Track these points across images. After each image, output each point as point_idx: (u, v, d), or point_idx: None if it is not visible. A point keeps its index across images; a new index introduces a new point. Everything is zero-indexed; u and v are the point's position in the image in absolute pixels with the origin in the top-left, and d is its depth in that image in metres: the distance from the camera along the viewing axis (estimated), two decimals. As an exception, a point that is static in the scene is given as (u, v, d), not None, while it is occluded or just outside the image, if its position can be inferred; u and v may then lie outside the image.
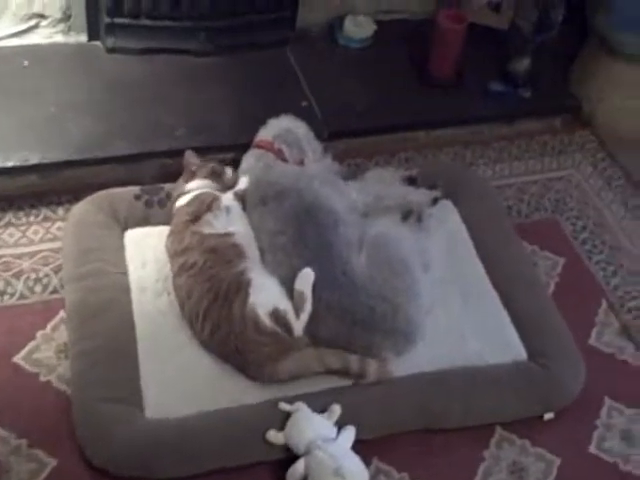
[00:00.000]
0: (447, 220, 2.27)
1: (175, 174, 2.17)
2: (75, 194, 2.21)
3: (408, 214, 2.19)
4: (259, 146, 2.19)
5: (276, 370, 1.82)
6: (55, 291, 2.02)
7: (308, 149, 2.22)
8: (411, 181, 2.30)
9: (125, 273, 2.02)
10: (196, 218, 1.99)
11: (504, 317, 2.06)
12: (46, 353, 1.89)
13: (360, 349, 1.87)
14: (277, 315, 1.82)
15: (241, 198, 2.07)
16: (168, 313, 1.96)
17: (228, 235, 1.96)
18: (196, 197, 2.05)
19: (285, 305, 1.84)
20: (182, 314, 1.92)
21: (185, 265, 1.92)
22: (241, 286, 1.85)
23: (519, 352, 1.99)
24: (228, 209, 2.02)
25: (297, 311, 1.83)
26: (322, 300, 1.86)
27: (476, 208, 2.30)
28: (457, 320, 2.04)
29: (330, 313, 1.86)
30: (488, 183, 2.45)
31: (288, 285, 1.88)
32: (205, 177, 2.11)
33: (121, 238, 2.10)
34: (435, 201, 2.27)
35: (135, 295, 1.98)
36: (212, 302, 1.85)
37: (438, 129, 2.54)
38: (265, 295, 1.85)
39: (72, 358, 1.84)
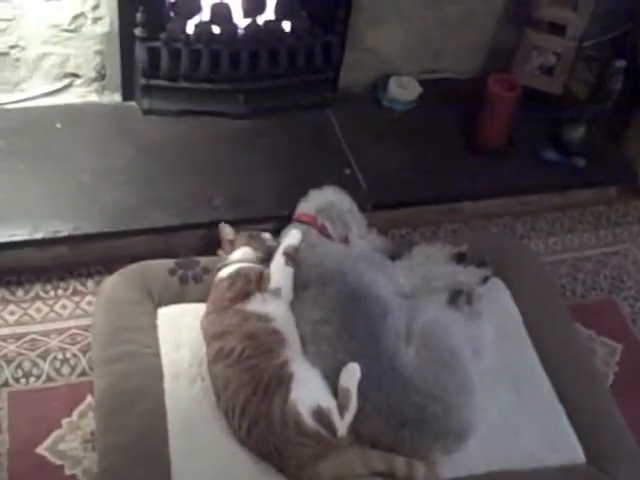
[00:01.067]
0: (498, 301, 2.13)
1: (213, 246, 2.06)
2: (106, 266, 2.12)
3: (457, 295, 2.06)
4: (301, 220, 2.08)
5: (317, 472, 1.68)
6: (83, 373, 1.92)
7: (352, 224, 2.10)
8: (460, 258, 2.17)
9: (158, 355, 1.90)
10: (243, 296, 1.87)
11: (560, 413, 1.91)
12: (72, 444, 1.79)
13: (407, 450, 1.73)
14: (320, 414, 1.68)
15: (293, 257, 1.93)
16: (202, 402, 1.82)
17: (268, 319, 1.84)
18: (237, 272, 1.93)
19: (329, 403, 1.70)
20: (218, 404, 1.80)
21: (222, 352, 1.80)
22: (282, 380, 1.72)
23: (576, 453, 1.83)
24: (278, 292, 1.89)
25: (341, 410, 1.70)
26: (368, 398, 1.72)
27: (529, 287, 2.16)
28: (510, 415, 1.88)
29: (376, 413, 1.72)
30: (541, 259, 2.32)
31: (331, 379, 1.75)
32: (245, 244, 2.00)
33: (154, 316, 1.98)
34: (485, 280, 2.14)
35: (168, 382, 1.85)
36: (250, 396, 1.72)
37: (487, 199, 2.41)
38: (308, 391, 1.71)
39: (100, 453, 1.72)
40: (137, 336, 1.92)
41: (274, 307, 1.87)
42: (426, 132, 2.52)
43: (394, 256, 2.14)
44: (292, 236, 1.99)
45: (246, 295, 1.88)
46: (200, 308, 1.96)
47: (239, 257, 1.99)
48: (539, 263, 2.29)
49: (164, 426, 1.78)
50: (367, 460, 1.71)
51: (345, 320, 1.82)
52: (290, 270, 1.93)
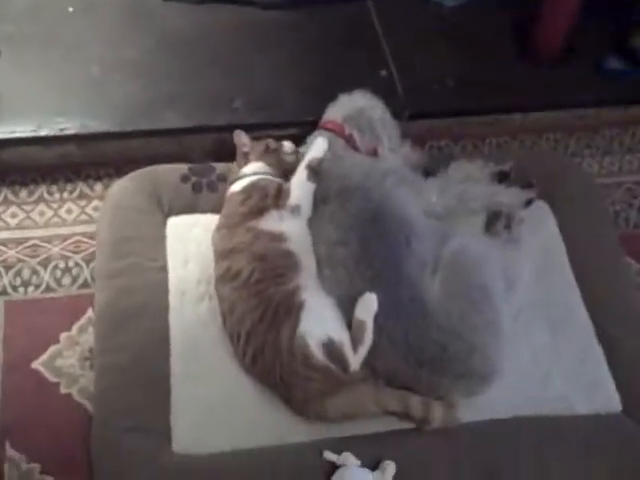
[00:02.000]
0: (541, 228, 1.93)
1: (231, 152, 1.87)
2: (116, 168, 1.98)
3: (495, 218, 1.87)
4: (327, 128, 1.88)
5: (324, 408, 1.56)
6: (85, 285, 1.81)
7: (384, 135, 1.89)
8: (502, 177, 1.96)
9: (164, 269, 1.77)
10: (258, 212, 1.71)
11: (598, 355, 1.74)
12: (69, 360, 1.70)
13: (425, 390, 1.59)
14: (331, 348, 1.54)
15: (316, 171, 1.75)
16: (209, 323, 1.70)
17: (282, 239, 1.68)
18: (253, 185, 1.76)
19: (341, 336, 1.56)
20: (224, 327, 1.67)
21: (229, 272, 1.65)
22: (292, 308, 1.58)
23: (612, 401, 1.68)
24: (297, 209, 1.72)
25: (355, 343, 1.56)
26: (384, 331, 1.57)
27: (577, 213, 1.95)
28: (542, 355, 1.73)
29: (393, 348, 1.57)
30: (593, 181, 2.08)
31: (347, 308, 1.60)
32: (259, 158, 1.83)
33: (163, 226, 1.84)
34: (529, 203, 1.93)
35: (173, 299, 1.73)
36: (257, 323, 1.58)
37: (539, 112, 2.15)
38: (319, 322, 1.57)
39: (97, 372, 1.63)
40: (143, 247, 1.79)
41: (291, 226, 1.71)
42: (477, 32, 2.23)
43: (429, 172, 1.95)
44: (317, 147, 1.79)
45: (261, 211, 1.72)
46: (213, 219, 1.81)
47: (252, 171, 1.81)
48: (591, 185, 2.06)
49: (166, 347, 1.67)
50: (380, 398, 1.59)
51: (364, 242, 1.65)
52: (312, 186, 1.75)
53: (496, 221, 1.87)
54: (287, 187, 1.76)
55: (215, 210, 1.82)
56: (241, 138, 1.85)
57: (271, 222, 1.71)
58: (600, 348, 1.75)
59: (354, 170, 1.78)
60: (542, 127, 2.18)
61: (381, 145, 1.88)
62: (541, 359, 1.73)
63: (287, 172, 1.81)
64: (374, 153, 1.87)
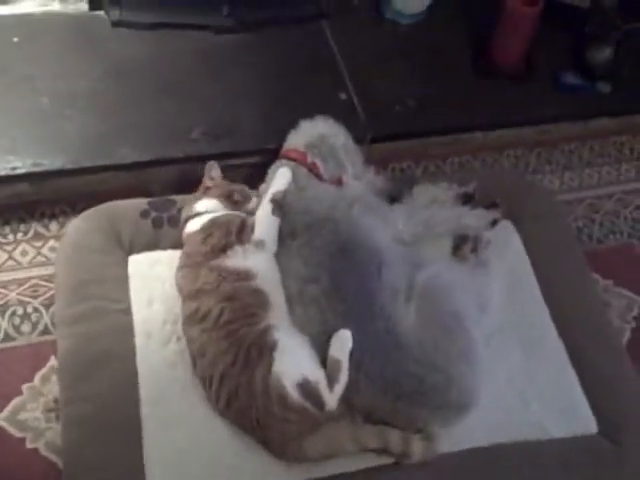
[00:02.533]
0: (507, 248, 1.92)
1: (192, 183, 1.82)
2: (72, 205, 1.90)
3: (462, 242, 1.86)
4: (289, 157, 1.84)
5: (303, 449, 1.52)
6: (46, 331, 1.75)
7: (347, 163, 1.86)
8: (467, 198, 1.95)
9: (128, 311, 1.71)
10: (221, 250, 1.65)
11: (571, 377, 1.74)
12: (33, 413, 1.64)
13: (403, 423, 1.56)
14: (307, 388, 1.50)
15: (280, 204, 1.71)
16: (177, 365, 1.64)
17: (249, 277, 1.64)
18: (213, 222, 1.71)
19: (316, 375, 1.52)
20: (194, 370, 1.62)
21: (197, 313, 1.60)
22: (265, 349, 1.53)
23: (588, 423, 1.68)
24: (261, 244, 1.68)
25: (331, 382, 1.52)
26: (361, 367, 1.54)
27: (541, 231, 1.95)
28: (517, 377, 1.71)
29: (370, 384, 1.54)
30: (555, 198, 2.09)
31: (321, 343, 1.57)
32: (219, 199, 1.77)
33: (124, 266, 1.77)
34: (494, 223, 1.93)
35: (139, 342, 1.67)
36: (230, 366, 1.53)
37: (500, 129, 2.15)
38: (293, 362, 1.53)
39: (64, 424, 1.55)
40: (105, 290, 1.73)
41: (256, 262, 1.67)
42: (434, 51, 2.23)
43: (394, 197, 1.92)
44: (280, 178, 1.76)
45: (224, 248, 1.67)
46: (175, 255, 1.76)
47: (206, 208, 1.76)
48: (553, 203, 2.06)
49: (135, 393, 1.60)
50: (358, 436, 1.55)
51: (334, 277, 1.61)
52: (277, 220, 1.71)
53: (463, 245, 1.85)
54: (251, 221, 1.71)
55: (177, 246, 1.77)
56: (212, 169, 1.79)
57: (236, 259, 1.66)
58: (572, 369, 1.75)
59: (320, 201, 1.75)
60: (503, 144, 2.19)
61: (345, 173, 1.85)
62: (516, 381, 1.71)
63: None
64: (338, 182, 1.84)
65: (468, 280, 1.75)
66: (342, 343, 1.54)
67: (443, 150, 2.13)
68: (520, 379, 1.72)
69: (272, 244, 1.70)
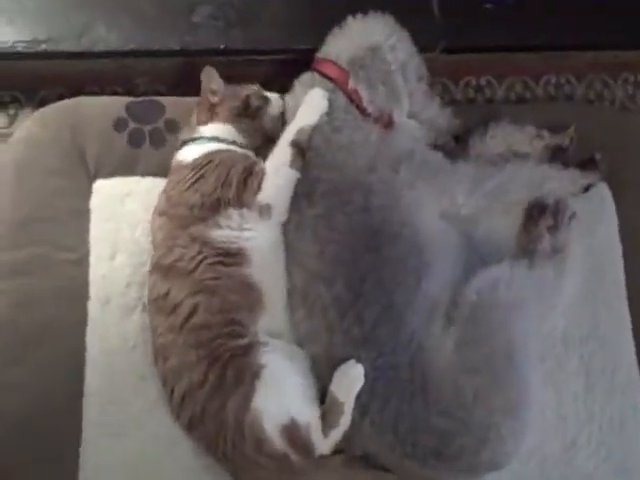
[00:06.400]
0: (596, 226, 1.45)
1: (191, 82, 1.33)
2: (25, 91, 1.40)
3: (538, 214, 1.37)
4: (324, 74, 1.31)
5: (280, 495, 1.20)
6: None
7: (404, 95, 1.33)
8: (558, 152, 1.43)
9: (82, 263, 1.31)
10: (211, 207, 1.22)
11: (640, 423, 1.36)
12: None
13: (411, 478, 1.22)
14: (293, 432, 1.14)
15: (304, 150, 1.25)
16: (138, 347, 1.27)
17: (242, 260, 1.20)
18: (209, 157, 1.25)
19: (309, 417, 1.15)
20: (156, 366, 1.24)
21: (166, 301, 1.20)
22: (245, 374, 1.14)
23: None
24: (266, 210, 1.23)
25: (327, 426, 1.15)
26: (368, 413, 1.16)
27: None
28: (570, 413, 1.34)
29: (375, 435, 1.17)
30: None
31: (322, 367, 1.18)
32: (232, 119, 1.30)
33: (85, 195, 1.35)
34: (587, 189, 1.44)
35: (93, 309, 1.29)
36: (196, 387, 1.16)
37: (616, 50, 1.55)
38: (280, 398, 1.15)
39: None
40: (56, 230, 1.32)
41: (256, 237, 1.23)
42: None
43: (459, 138, 1.41)
44: (312, 106, 1.27)
45: (216, 205, 1.22)
46: (158, 186, 1.33)
47: (213, 134, 1.28)
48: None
49: (77, 384, 1.25)
50: (351, 483, 1.21)
51: (353, 282, 1.19)
52: (294, 175, 1.24)
53: (540, 218, 1.37)
54: (261, 170, 1.24)
55: (160, 173, 1.33)
56: (211, 80, 1.31)
57: (228, 230, 1.21)
58: (645, 412, 1.36)
59: (354, 155, 1.26)
60: (619, 65, 1.59)
61: (398, 109, 1.33)
62: (569, 419, 1.34)
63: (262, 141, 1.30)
64: (387, 122, 1.32)
65: (537, 287, 1.29)
66: (350, 381, 1.16)
67: (538, 65, 1.55)
68: (574, 415, 1.35)
69: (282, 212, 1.25)
